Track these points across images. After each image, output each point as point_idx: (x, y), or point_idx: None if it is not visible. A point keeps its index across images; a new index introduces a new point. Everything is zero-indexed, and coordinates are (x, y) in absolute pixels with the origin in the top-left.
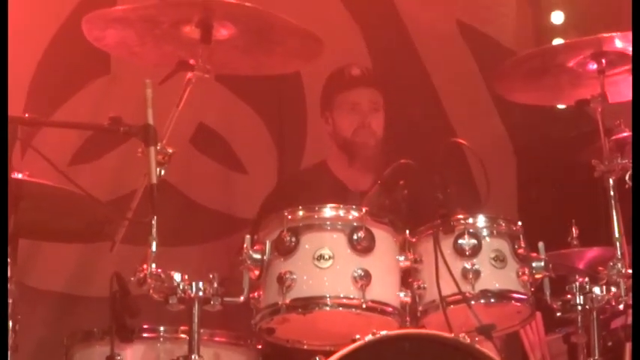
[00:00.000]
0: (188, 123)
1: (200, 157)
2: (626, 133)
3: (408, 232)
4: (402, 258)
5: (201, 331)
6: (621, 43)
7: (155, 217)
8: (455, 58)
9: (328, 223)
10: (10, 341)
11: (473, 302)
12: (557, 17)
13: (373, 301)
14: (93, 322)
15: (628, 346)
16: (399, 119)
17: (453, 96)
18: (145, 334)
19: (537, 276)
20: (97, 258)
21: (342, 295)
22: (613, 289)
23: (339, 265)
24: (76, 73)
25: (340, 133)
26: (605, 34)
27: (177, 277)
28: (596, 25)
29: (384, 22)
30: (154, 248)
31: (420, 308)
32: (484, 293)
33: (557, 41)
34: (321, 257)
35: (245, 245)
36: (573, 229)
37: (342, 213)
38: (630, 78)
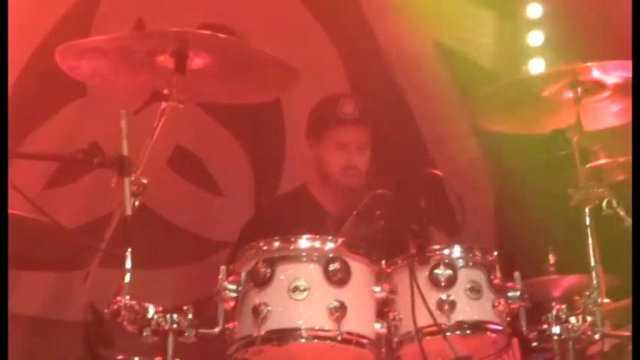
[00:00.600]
0: (165, 145)
1: (177, 179)
2: (603, 160)
3: (383, 262)
4: (377, 289)
5: None
6: (598, 72)
7: (129, 249)
8: (432, 80)
9: (304, 254)
10: None
11: (449, 333)
12: (536, 38)
13: (349, 333)
14: (67, 347)
15: None
16: (376, 145)
17: (430, 119)
18: None
19: (513, 306)
20: (73, 281)
21: (317, 327)
22: (589, 318)
23: (314, 297)
24: (51, 95)
25: (326, 167)
26: (582, 65)
27: (151, 309)
28: (575, 46)
29: (362, 45)
30: (127, 280)
31: (396, 339)
32: (460, 324)
33: (536, 62)
34: (296, 289)
35: (220, 276)
36: (550, 256)
37: (317, 244)
38: (607, 105)
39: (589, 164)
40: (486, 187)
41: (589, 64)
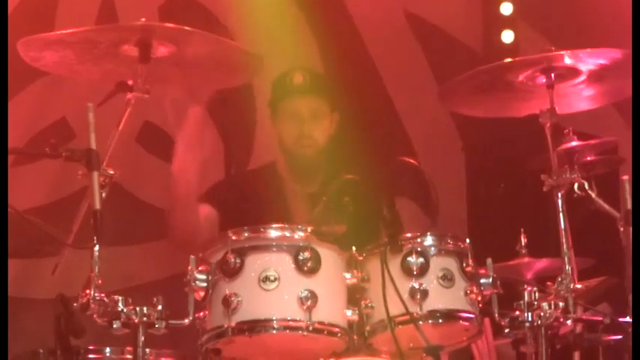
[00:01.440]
0: (133, 121)
1: (146, 156)
2: (575, 142)
3: (354, 248)
4: (348, 275)
5: (147, 351)
6: (570, 60)
7: (98, 244)
8: (403, 51)
9: (274, 243)
10: None
11: (421, 322)
12: (507, 8)
13: (320, 323)
14: (37, 327)
15: (576, 355)
16: (348, 118)
17: (402, 89)
18: (90, 355)
19: (485, 292)
20: (40, 266)
21: (288, 318)
22: (561, 304)
23: (284, 287)
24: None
25: (282, 139)
26: (555, 52)
27: (120, 302)
28: (546, 16)
29: (334, 19)
30: (96, 272)
31: (368, 328)
32: (432, 313)
33: (507, 33)
34: (266, 279)
35: (190, 266)
36: (522, 238)
37: (287, 233)
38: (581, 90)
39: (560, 146)
40: (458, 162)
41: (562, 52)
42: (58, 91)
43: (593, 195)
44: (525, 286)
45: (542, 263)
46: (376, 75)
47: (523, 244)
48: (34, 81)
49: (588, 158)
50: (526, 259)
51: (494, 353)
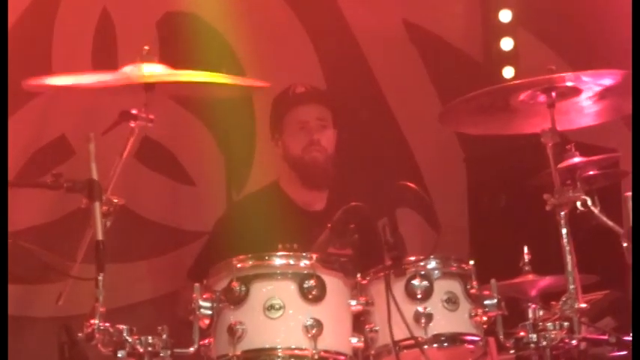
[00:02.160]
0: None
1: (145, 171)
2: (577, 159)
3: (359, 275)
4: (353, 302)
5: None
6: (572, 82)
7: (102, 274)
8: (403, 61)
9: (278, 271)
10: None
11: (426, 347)
12: (506, 15)
13: (325, 351)
14: (39, 345)
15: None
16: (349, 131)
17: (402, 100)
18: None
19: (490, 314)
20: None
21: (293, 346)
22: (566, 324)
23: (289, 315)
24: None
25: (290, 152)
26: (556, 75)
27: (125, 332)
28: (545, 23)
29: (333, 30)
30: (100, 302)
31: (373, 352)
32: (437, 337)
33: (506, 41)
34: (271, 307)
35: (194, 294)
36: (525, 256)
37: (292, 261)
38: (581, 107)
39: (562, 163)
40: (460, 173)
41: (563, 74)
42: (57, 109)
43: (596, 211)
44: (529, 305)
45: (546, 281)
46: (376, 86)
47: (527, 260)
48: (33, 99)
49: (590, 172)
50: (530, 277)
51: None
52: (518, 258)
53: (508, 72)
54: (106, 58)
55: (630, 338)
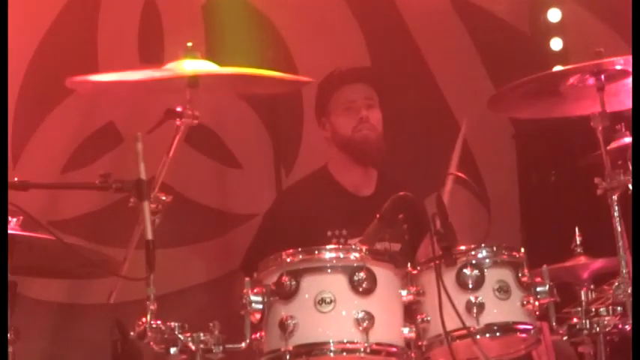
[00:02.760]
0: None
1: (193, 154)
2: (628, 139)
3: (409, 264)
4: (404, 292)
5: None
6: (621, 66)
7: (152, 274)
8: (449, 35)
9: (328, 264)
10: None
11: (478, 337)
12: None
13: (377, 344)
14: (93, 331)
15: None
16: (397, 108)
17: (450, 76)
18: None
19: (542, 301)
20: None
21: (345, 340)
22: (619, 309)
23: (340, 309)
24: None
25: (340, 133)
26: (606, 60)
27: (177, 329)
28: None
29: (378, 6)
30: (151, 302)
31: (425, 342)
32: (489, 327)
33: (554, 12)
34: (322, 301)
35: (245, 289)
36: (577, 237)
37: (341, 254)
38: (630, 88)
39: (612, 144)
40: (509, 151)
41: (612, 59)
42: (105, 96)
43: None
44: (582, 287)
45: (598, 263)
46: (423, 62)
47: (578, 242)
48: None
49: None
50: (582, 259)
51: (552, 354)
52: (570, 234)
53: (556, 44)
54: (152, 48)
55: None
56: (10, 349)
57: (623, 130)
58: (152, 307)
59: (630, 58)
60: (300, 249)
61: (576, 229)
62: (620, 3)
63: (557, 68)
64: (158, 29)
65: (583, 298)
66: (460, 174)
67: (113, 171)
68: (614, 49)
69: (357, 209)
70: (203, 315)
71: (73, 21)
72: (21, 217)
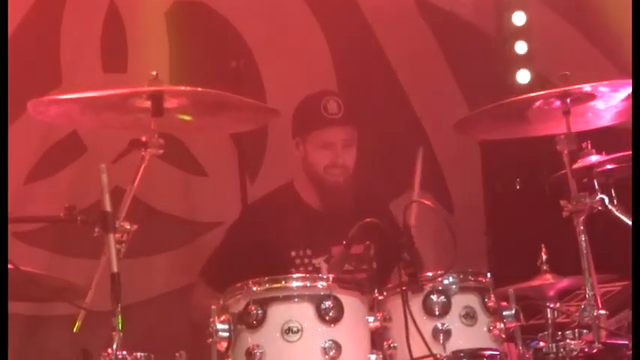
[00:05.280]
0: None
1: (158, 162)
2: (594, 157)
3: (376, 291)
4: (371, 319)
5: None
6: (589, 88)
7: (119, 305)
8: (414, 37)
9: (295, 293)
10: None
11: None
12: None
13: None
14: (58, 343)
15: None
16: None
17: (415, 80)
18: None
19: (509, 325)
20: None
21: None
22: (585, 331)
23: (307, 338)
24: (27, 87)
25: (311, 165)
26: (573, 87)
27: (143, 359)
28: None
29: (341, 9)
30: (119, 331)
31: None
32: (456, 354)
33: (518, 15)
34: (289, 330)
35: (212, 318)
36: (542, 254)
37: (308, 283)
38: (597, 110)
39: (579, 162)
40: (474, 156)
41: (580, 85)
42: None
43: (615, 211)
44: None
45: (564, 283)
46: (387, 65)
47: (544, 259)
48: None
49: (608, 167)
50: (548, 277)
51: None
52: (535, 242)
53: (521, 47)
54: (116, 57)
55: None
56: None
57: (589, 147)
58: (118, 338)
59: (597, 86)
60: (266, 277)
61: (542, 247)
62: (586, 5)
63: (522, 72)
64: (121, 38)
65: (549, 317)
66: (424, 201)
67: (76, 180)
68: (580, 52)
69: (322, 227)
70: (169, 325)
71: (35, 30)
72: None
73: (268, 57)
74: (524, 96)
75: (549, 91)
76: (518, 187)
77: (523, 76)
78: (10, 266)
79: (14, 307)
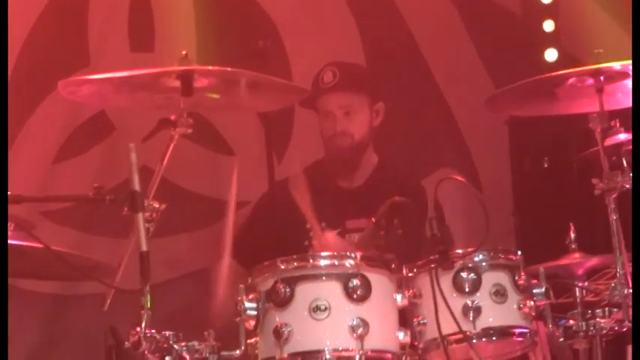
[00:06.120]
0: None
1: (185, 142)
2: (623, 135)
3: (404, 268)
4: (399, 297)
5: None
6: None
7: (148, 283)
8: (440, 18)
9: (323, 272)
10: None
11: (475, 341)
12: None
13: (372, 351)
14: (86, 322)
15: (629, 349)
16: (390, 92)
17: (441, 61)
18: None
19: (539, 303)
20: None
21: (340, 348)
22: (615, 310)
23: (335, 316)
24: (54, 67)
25: (322, 138)
26: (605, 65)
27: (171, 338)
28: None
29: None
30: (147, 309)
31: (421, 345)
32: (486, 331)
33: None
34: (317, 308)
35: (239, 297)
36: (571, 233)
37: (336, 261)
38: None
39: (607, 140)
40: (501, 136)
41: (612, 64)
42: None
43: None
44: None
45: (593, 262)
46: (414, 46)
47: (573, 238)
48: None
49: None
50: (577, 256)
51: (547, 353)
52: (564, 221)
53: (548, 25)
54: (143, 36)
55: None
56: None
57: (618, 126)
58: (147, 316)
59: (627, 63)
60: (294, 256)
61: (571, 226)
62: None
63: (550, 50)
64: (149, 17)
65: (578, 296)
66: (457, 177)
67: (105, 160)
68: (607, 31)
69: (348, 204)
70: (195, 304)
71: (63, 10)
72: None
73: (295, 35)
74: (558, 72)
75: (583, 68)
76: (545, 166)
77: (551, 55)
78: (39, 245)
79: (44, 286)
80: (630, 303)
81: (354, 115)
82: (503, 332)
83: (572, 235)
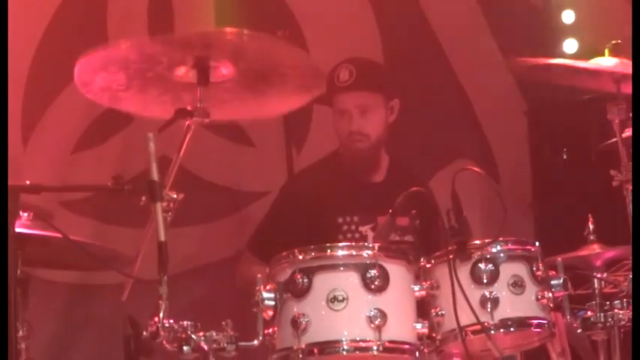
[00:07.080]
0: None
1: (205, 132)
2: None
3: (422, 259)
4: (417, 288)
5: None
6: None
7: (166, 273)
8: (460, 8)
9: (341, 262)
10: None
11: (492, 332)
12: None
13: (390, 342)
14: (105, 311)
15: None
16: (405, 86)
17: (460, 50)
18: None
19: (557, 294)
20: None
21: (358, 338)
22: None
23: (353, 307)
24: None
25: (337, 132)
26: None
27: (189, 328)
28: None
29: None
30: (164, 299)
31: (439, 337)
32: (504, 322)
33: None
34: (335, 299)
35: (257, 287)
36: (590, 225)
37: (354, 252)
38: None
39: (626, 132)
40: (520, 126)
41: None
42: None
43: None
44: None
45: (612, 253)
46: (433, 37)
47: (591, 229)
48: None
49: None
50: (595, 247)
51: (566, 343)
52: (582, 211)
53: (568, 16)
54: (162, 18)
55: None
56: (22, 346)
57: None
58: (165, 306)
59: None
60: (312, 246)
61: (589, 217)
62: None
63: (569, 41)
64: (168, 7)
65: (596, 287)
66: (474, 168)
67: (123, 151)
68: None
69: (368, 196)
70: (214, 295)
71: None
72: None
73: (314, 27)
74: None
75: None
76: (565, 157)
77: (570, 46)
78: (58, 235)
79: (62, 276)
80: None
81: (370, 114)
82: (521, 323)
83: (591, 227)
